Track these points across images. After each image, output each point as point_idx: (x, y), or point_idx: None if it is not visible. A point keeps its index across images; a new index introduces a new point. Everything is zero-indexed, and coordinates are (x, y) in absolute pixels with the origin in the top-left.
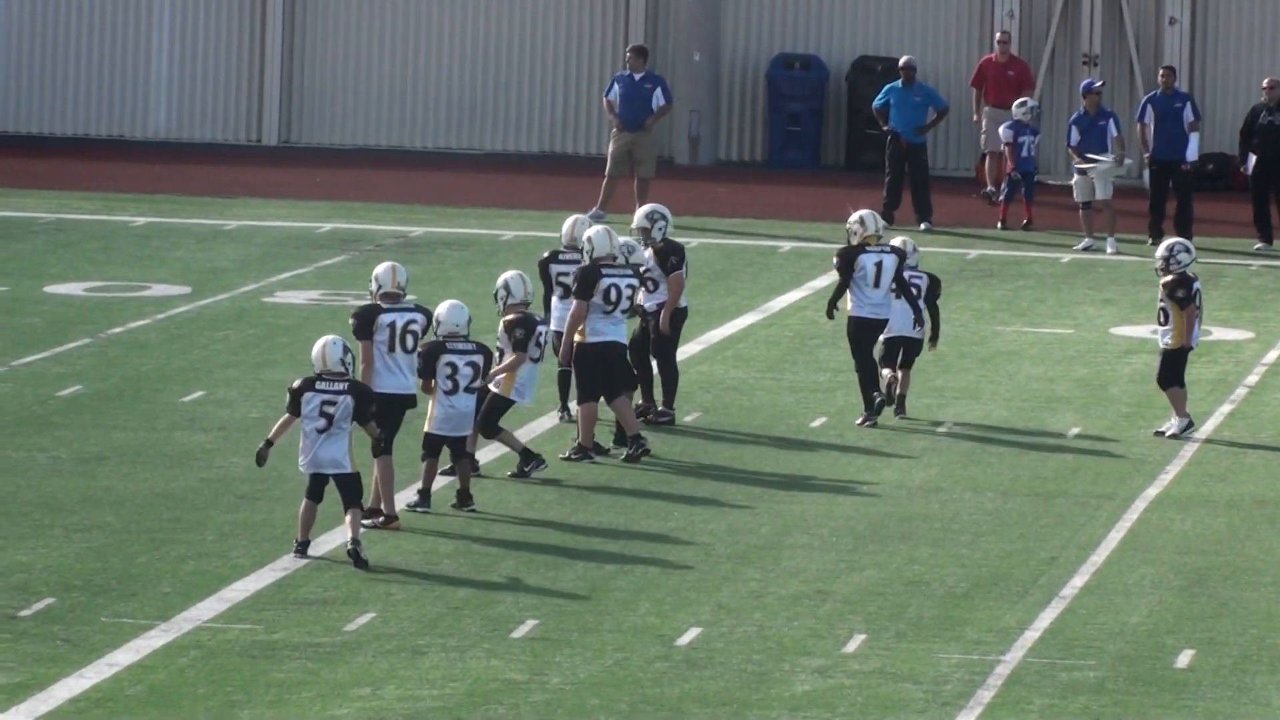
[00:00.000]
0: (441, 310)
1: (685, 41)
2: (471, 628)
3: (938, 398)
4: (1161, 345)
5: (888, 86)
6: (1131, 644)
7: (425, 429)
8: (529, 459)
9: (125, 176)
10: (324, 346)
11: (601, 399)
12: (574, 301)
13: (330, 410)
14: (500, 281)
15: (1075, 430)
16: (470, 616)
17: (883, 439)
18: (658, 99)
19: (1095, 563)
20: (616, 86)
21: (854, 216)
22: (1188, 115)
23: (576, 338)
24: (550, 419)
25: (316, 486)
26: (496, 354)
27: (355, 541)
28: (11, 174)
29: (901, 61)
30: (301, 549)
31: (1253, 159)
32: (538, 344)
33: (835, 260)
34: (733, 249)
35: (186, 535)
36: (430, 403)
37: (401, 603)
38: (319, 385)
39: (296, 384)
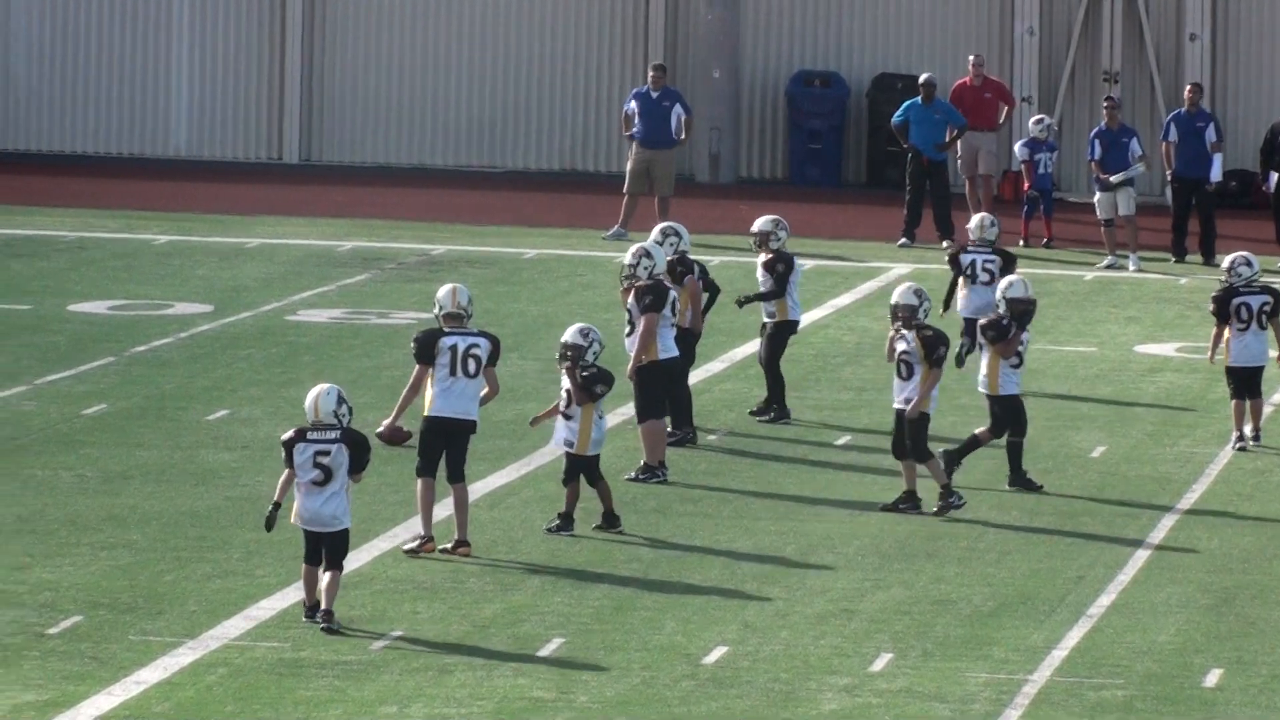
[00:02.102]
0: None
1: (705, 59)
2: (498, 646)
3: (961, 415)
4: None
5: (907, 104)
6: (1159, 663)
7: (569, 452)
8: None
9: (147, 195)
10: (317, 397)
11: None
12: (644, 317)
13: (324, 461)
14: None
15: (1100, 449)
16: (497, 635)
17: None
18: (678, 113)
19: (1122, 581)
20: (634, 103)
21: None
22: (1210, 136)
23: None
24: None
25: (314, 547)
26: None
27: (328, 614)
28: (34, 193)
29: (921, 79)
30: (311, 612)
31: (1274, 176)
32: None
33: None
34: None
35: (213, 553)
36: (580, 424)
37: (428, 621)
38: (310, 435)
39: (288, 435)
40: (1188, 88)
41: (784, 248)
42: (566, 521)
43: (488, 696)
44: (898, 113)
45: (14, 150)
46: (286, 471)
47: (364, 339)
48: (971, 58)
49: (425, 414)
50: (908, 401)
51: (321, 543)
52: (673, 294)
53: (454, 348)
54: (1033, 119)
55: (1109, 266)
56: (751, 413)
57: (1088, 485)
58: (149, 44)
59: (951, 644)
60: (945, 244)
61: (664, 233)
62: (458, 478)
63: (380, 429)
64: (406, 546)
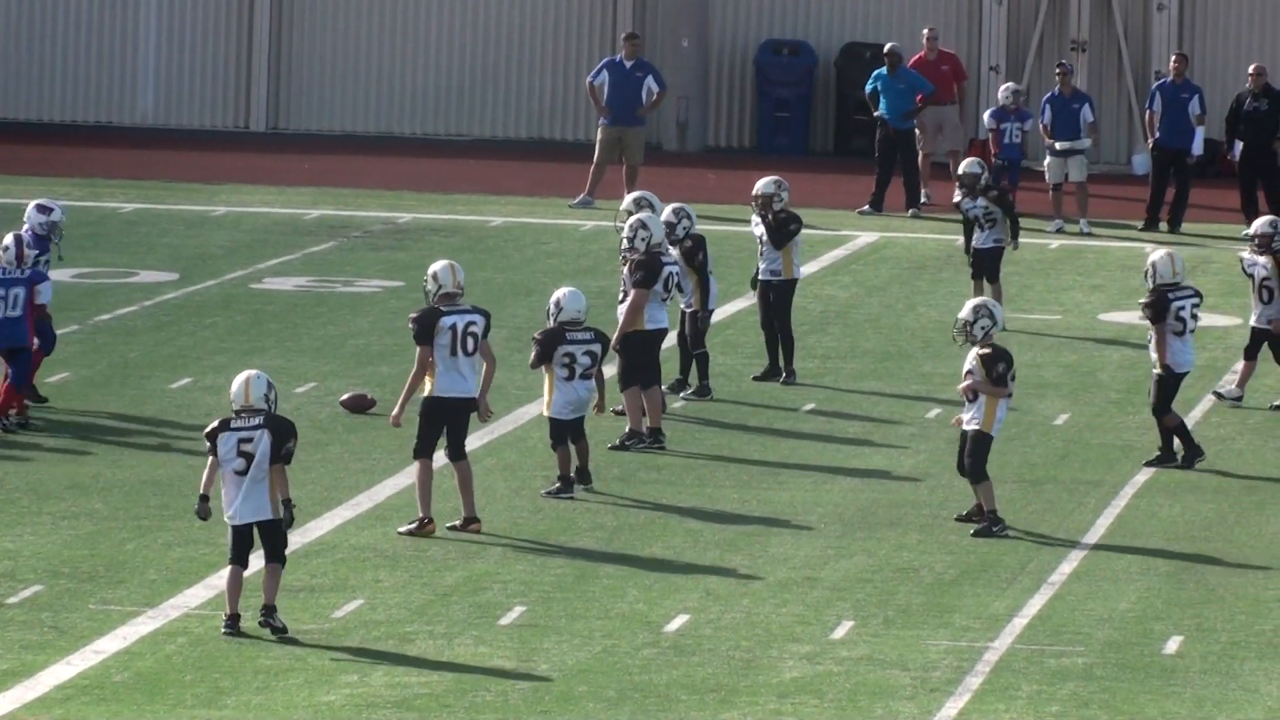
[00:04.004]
0: (562, 297)
1: (673, 27)
2: (459, 615)
3: (925, 384)
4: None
5: (876, 73)
6: (1120, 630)
7: (548, 415)
8: (568, 484)
9: (113, 162)
10: (246, 382)
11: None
12: (634, 290)
13: (248, 449)
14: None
15: (1063, 417)
16: (458, 604)
17: (871, 425)
18: (650, 86)
19: (1084, 549)
20: (606, 74)
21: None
22: (1194, 108)
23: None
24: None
25: (241, 546)
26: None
27: (268, 609)
28: None
29: (886, 48)
30: (232, 623)
31: (1239, 145)
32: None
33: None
34: (721, 235)
35: (174, 522)
36: (546, 389)
37: (390, 590)
38: (234, 424)
39: (212, 426)
40: (1173, 57)
41: (787, 207)
42: (566, 484)
43: (449, 665)
44: (868, 82)
45: None
46: (210, 459)
47: (329, 307)
48: (925, 31)
49: (427, 395)
50: (971, 421)
51: (251, 537)
52: (668, 269)
53: (454, 327)
54: (1001, 88)
55: (1058, 230)
56: (756, 378)
57: (1051, 453)
58: (116, 11)
59: (913, 612)
60: (911, 213)
61: (677, 214)
62: (459, 455)
63: (393, 417)
64: (403, 528)
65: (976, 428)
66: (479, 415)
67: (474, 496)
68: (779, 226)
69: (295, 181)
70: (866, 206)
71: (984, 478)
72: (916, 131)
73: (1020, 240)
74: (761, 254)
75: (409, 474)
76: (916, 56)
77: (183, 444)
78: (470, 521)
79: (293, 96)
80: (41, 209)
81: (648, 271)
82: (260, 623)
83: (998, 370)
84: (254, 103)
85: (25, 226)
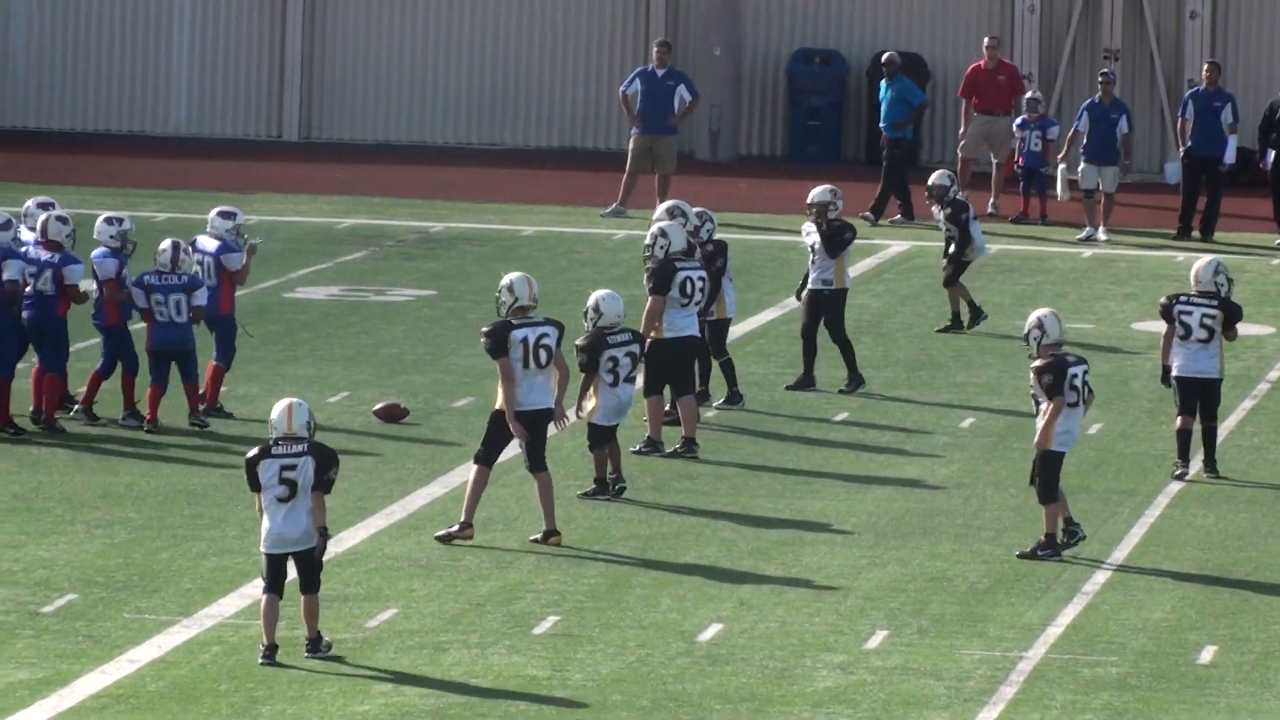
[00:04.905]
0: (601, 301)
1: (705, 36)
2: (493, 624)
3: (959, 393)
4: None
5: (882, 82)
6: (1154, 640)
7: (590, 421)
8: (603, 486)
9: (146, 172)
10: (288, 410)
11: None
12: (649, 298)
13: (291, 475)
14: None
15: (1097, 426)
16: (492, 613)
17: (904, 434)
18: (682, 95)
19: (1117, 559)
20: (638, 82)
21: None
22: (1226, 116)
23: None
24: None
25: (276, 574)
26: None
27: (313, 641)
28: (33, 170)
29: (883, 58)
30: (270, 654)
31: (1272, 154)
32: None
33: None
34: (753, 244)
35: (208, 531)
36: (591, 396)
37: (424, 599)
38: (275, 450)
39: (253, 453)
40: (1206, 65)
41: (841, 215)
42: (602, 486)
43: (483, 674)
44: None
45: (13, 128)
46: (257, 497)
47: (362, 316)
48: (986, 40)
49: (499, 407)
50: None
51: (287, 566)
52: (685, 274)
53: (525, 340)
54: (1025, 96)
55: (1087, 239)
56: (841, 390)
57: (1084, 462)
58: (149, 20)
59: (947, 621)
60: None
61: (701, 217)
62: (540, 466)
63: (512, 425)
64: (441, 533)
65: (1039, 446)
66: (555, 424)
67: (554, 509)
68: (833, 235)
69: (328, 190)
70: (869, 213)
71: (1050, 499)
72: (959, 138)
73: (968, 254)
74: (813, 263)
75: (442, 483)
76: (975, 65)
77: (216, 453)
78: (550, 534)
79: (325, 106)
80: (110, 221)
81: (660, 278)
82: (307, 656)
83: (1044, 381)
84: (287, 112)
85: (200, 235)
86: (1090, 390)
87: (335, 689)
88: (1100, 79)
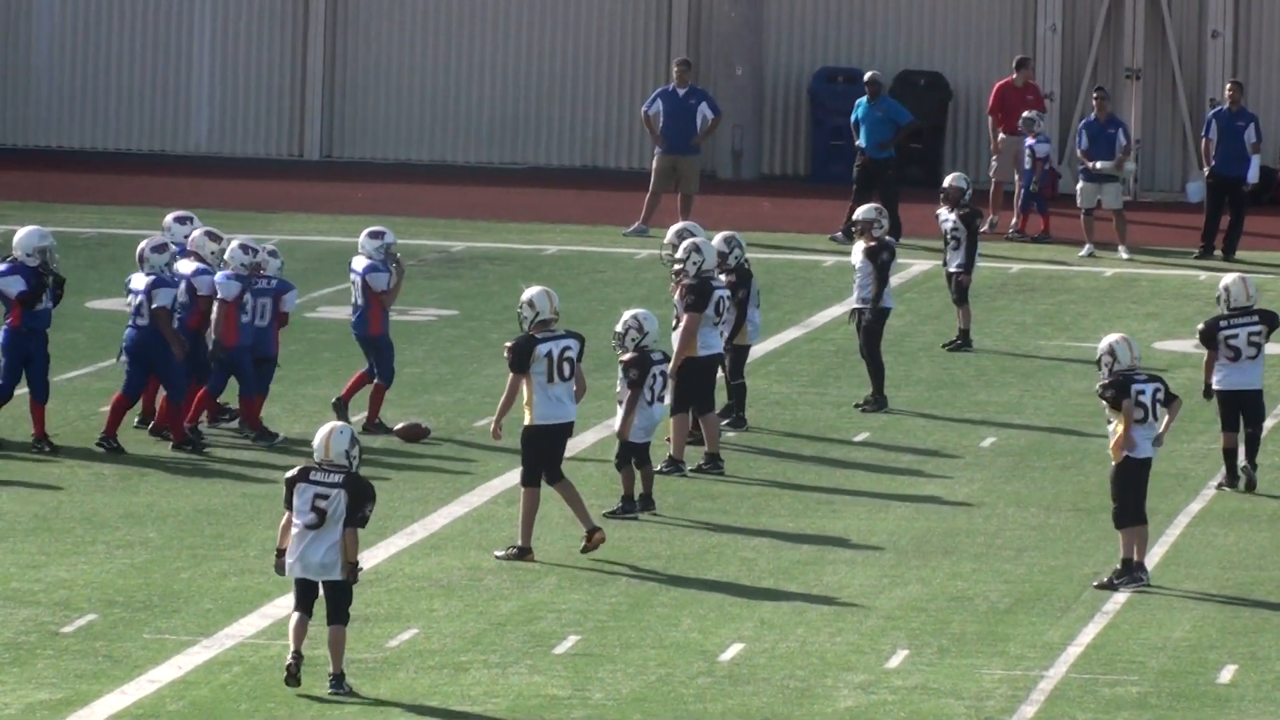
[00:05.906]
0: (644, 320)
1: (728, 56)
2: (514, 644)
3: (980, 412)
4: None
5: (858, 101)
6: (1174, 659)
7: (623, 437)
8: (630, 504)
9: (167, 191)
10: (329, 435)
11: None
12: (686, 315)
13: (323, 505)
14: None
15: None
16: (513, 633)
17: (926, 454)
18: (704, 113)
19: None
20: (659, 102)
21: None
22: (1250, 136)
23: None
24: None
25: (305, 596)
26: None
27: (336, 678)
28: (54, 189)
29: (866, 76)
30: (296, 662)
31: None
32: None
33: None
34: (776, 263)
35: (229, 551)
36: (628, 412)
37: (444, 619)
38: (314, 476)
39: (292, 473)
40: (1229, 85)
41: (885, 235)
42: (629, 504)
43: (503, 694)
44: (853, 111)
45: (35, 146)
46: (286, 515)
47: (400, 336)
48: (1016, 59)
49: (527, 424)
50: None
51: (315, 593)
52: (718, 293)
53: (549, 354)
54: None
55: (1089, 255)
56: (858, 405)
57: (1105, 481)
58: (170, 40)
59: (967, 641)
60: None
61: (729, 242)
62: (558, 477)
63: (493, 432)
64: (500, 553)
65: (1114, 455)
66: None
67: (587, 509)
68: (871, 256)
69: (349, 210)
70: (839, 233)
71: (1124, 522)
72: (992, 160)
73: (976, 267)
74: (857, 283)
75: (463, 503)
76: (1003, 81)
77: (236, 473)
78: (593, 533)
79: (347, 125)
80: (246, 249)
81: (699, 295)
82: (330, 692)
83: (1106, 396)
84: (308, 131)
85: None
86: (1172, 397)
87: (356, 709)
88: (1095, 96)
